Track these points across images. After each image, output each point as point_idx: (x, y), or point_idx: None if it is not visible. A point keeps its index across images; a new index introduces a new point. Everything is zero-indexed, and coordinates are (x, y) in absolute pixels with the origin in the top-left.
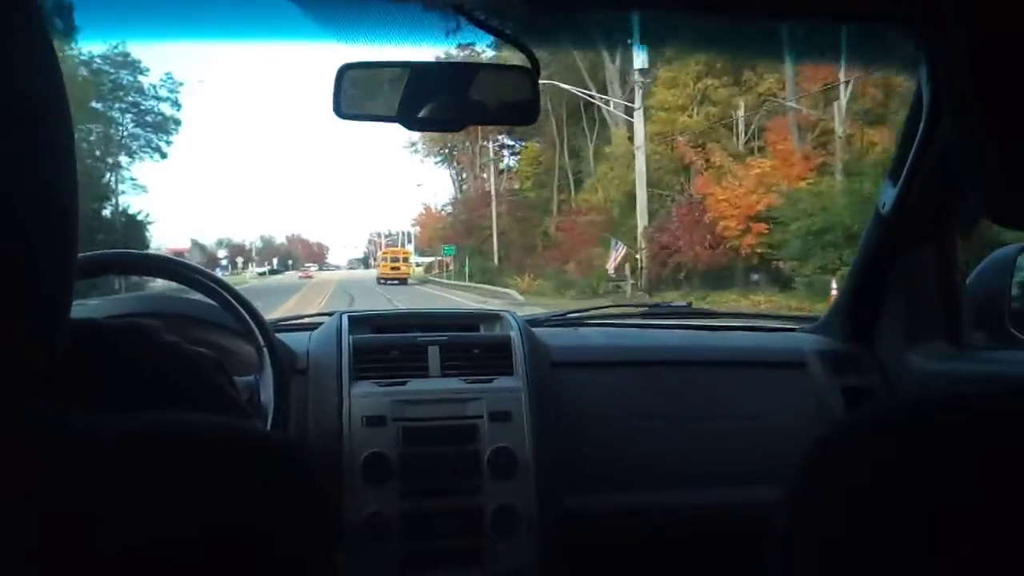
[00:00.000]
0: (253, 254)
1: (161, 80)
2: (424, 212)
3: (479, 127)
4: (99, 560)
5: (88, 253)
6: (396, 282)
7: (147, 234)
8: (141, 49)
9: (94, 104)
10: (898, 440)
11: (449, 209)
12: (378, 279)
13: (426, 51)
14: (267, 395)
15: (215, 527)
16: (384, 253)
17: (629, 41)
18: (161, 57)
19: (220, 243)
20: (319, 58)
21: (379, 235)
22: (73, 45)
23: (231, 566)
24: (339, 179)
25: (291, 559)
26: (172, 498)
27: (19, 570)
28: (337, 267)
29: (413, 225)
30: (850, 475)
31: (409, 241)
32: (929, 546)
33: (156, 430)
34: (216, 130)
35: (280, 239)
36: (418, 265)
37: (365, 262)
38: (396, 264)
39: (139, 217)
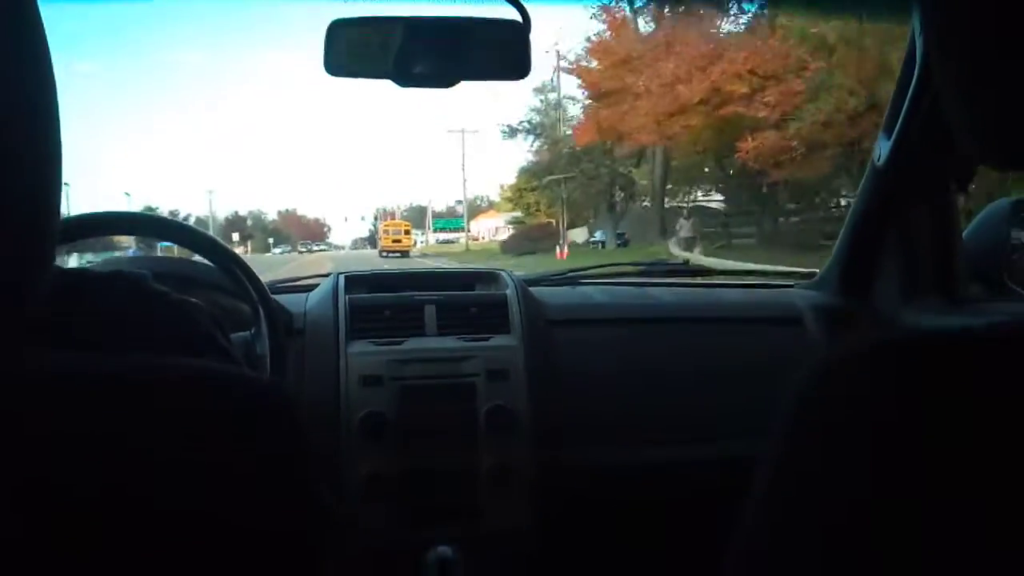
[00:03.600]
0: (209, 228)
1: None
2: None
3: None
4: (76, 490)
5: (77, 214)
6: (397, 254)
7: None
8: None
9: None
10: (894, 369)
11: None
12: (380, 252)
13: (418, 7)
14: (263, 353)
15: (195, 463)
16: (385, 226)
17: None
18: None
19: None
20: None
21: (384, 211)
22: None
23: (213, 500)
24: (346, 150)
25: (276, 496)
26: (152, 437)
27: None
28: (340, 247)
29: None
30: (842, 407)
31: (417, 221)
32: (929, 479)
33: (137, 370)
34: (207, 92)
35: (272, 215)
36: (439, 239)
37: (371, 241)
38: (398, 237)
39: None
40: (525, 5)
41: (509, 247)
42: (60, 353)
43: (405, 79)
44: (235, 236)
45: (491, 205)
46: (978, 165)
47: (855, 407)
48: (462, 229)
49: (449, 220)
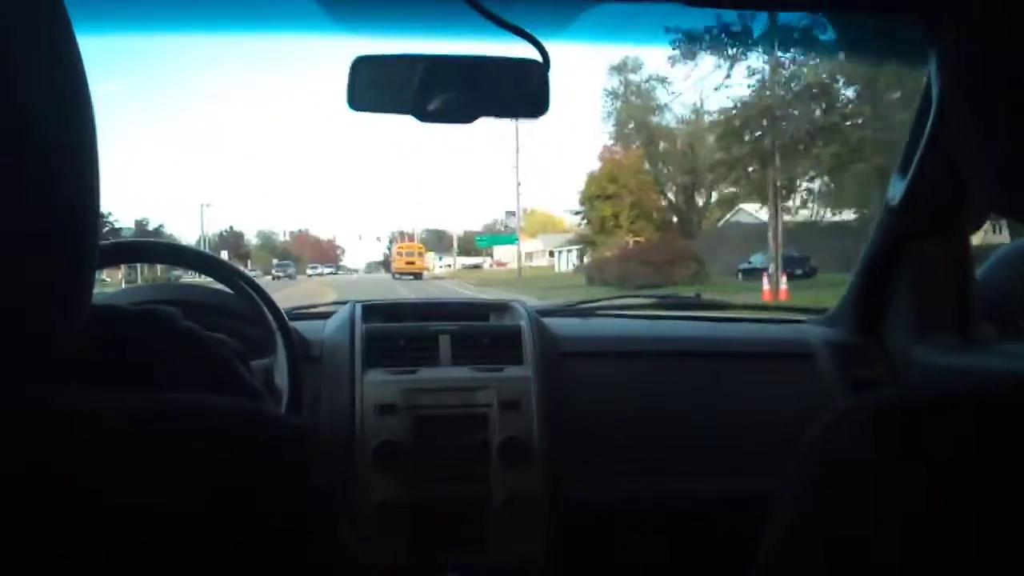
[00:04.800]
0: (204, 244)
1: None
2: None
3: None
4: (103, 532)
5: (106, 242)
6: (411, 276)
7: None
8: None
9: None
10: (903, 426)
11: None
12: (393, 274)
13: (439, 44)
14: (281, 382)
15: (219, 507)
16: (399, 248)
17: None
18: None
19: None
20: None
21: (401, 232)
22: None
23: (233, 546)
24: (364, 168)
25: (295, 540)
26: (178, 478)
27: (27, 540)
28: (353, 270)
29: None
30: (856, 460)
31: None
32: (935, 534)
33: (166, 410)
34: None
35: (283, 235)
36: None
37: (386, 264)
38: (411, 259)
39: None
40: (544, 44)
41: (601, 274)
42: (89, 391)
43: (425, 115)
44: (224, 254)
45: (511, 231)
46: (991, 213)
47: (860, 475)
48: (514, 246)
49: (498, 236)
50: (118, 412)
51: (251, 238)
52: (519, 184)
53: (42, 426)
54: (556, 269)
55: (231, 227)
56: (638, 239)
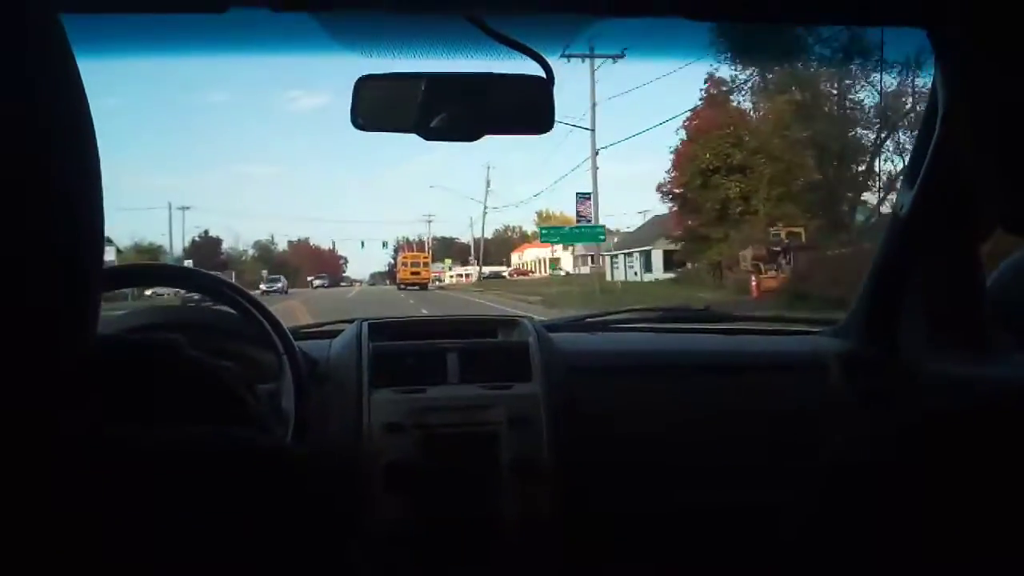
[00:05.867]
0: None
1: None
2: None
3: None
4: (118, 559)
5: (113, 266)
6: (416, 287)
7: None
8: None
9: None
10: (923, 438)
11: None
12: (398, 285)
13: (442, 62)
14: (288, 403)
15: (220, 537)
16: (404, 258)
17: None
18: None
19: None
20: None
21: (407, 240)
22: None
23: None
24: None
25: (298, 568)
26: (178, 512)
27: (37, 566)
28: (356, 281)
29: None
30: (879, 469)
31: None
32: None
33: (172, 444)
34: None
35: (281, 246)
36: None
37: (391, 275)
38: (416, 269)
39: None
40: (549, 60)
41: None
42: (86, 423)
43: (428, 132)
44: (188, 263)
45: (524, 238)
46: (997, 225)
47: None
48: (599, 244)
49: (573, 229)
50: (121, 444)
51: (247, 248)
52: (596, 153)
53: (44, 454)
54: (609, 277)
55: (206, 231)
56: (792, 229)
